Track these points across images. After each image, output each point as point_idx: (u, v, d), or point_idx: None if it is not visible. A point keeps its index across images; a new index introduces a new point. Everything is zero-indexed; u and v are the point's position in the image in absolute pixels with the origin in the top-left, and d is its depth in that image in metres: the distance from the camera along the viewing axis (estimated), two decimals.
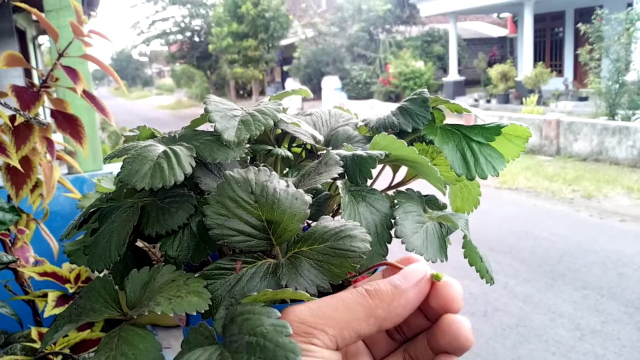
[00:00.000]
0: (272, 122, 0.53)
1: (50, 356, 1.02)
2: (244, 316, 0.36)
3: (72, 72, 1.11)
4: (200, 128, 0.58)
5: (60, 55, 1.12)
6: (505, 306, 3.70)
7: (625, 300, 3.68)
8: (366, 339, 0.44)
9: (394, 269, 0.44)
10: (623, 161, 7.75)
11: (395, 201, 0.51)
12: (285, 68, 23.54)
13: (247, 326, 0.35)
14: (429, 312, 0.43)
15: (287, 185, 0.46)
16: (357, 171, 0.53)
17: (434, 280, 0.42)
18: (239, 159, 0.51)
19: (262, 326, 0.34)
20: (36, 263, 1.23)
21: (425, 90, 0.59)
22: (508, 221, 5.62)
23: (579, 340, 3.23)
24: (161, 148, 0.51)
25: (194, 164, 0.49)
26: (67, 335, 1.06)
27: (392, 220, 0.50)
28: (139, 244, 0.60)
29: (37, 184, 1.18)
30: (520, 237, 5.06)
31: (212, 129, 0.51)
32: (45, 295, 1.13)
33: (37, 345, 1.04)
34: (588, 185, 6.75)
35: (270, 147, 0.59)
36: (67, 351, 1.03)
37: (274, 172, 0.47)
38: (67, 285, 1.15)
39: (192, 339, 0.38)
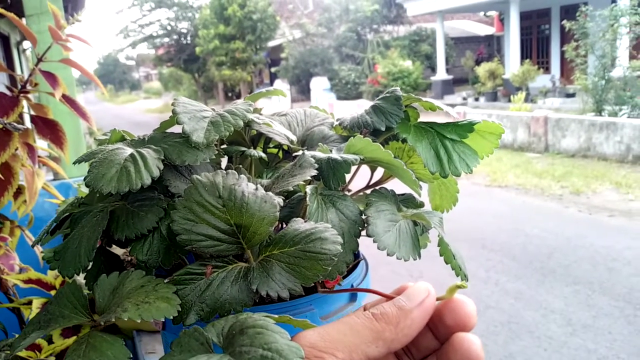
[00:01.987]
0: (241, 123, 0.52)
1: None
2: (257, 329, 0.36)
3: (50, 77, 1.10)
4: (170, 130, 0.58)
5: (39, 60, 1.11)
6: (496, 303, 3.71)
7: (616, 294, 3.70)
8: None
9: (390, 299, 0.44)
10: (611, 157, 7.80)
11: (368, 200, 0.51)
12: (273, 69, 23.51)
13: (262, 340, 0.35)
14: (441, 331, 0.43)
15: (256, 189, 0.46)
16: (331, 175, 0.52)
17: (461, 287, 0.42)
18: (209, 160, 0.50)
19: (277, 343, 0.35)
20: (21, 270, 1.22)
21: (398, 88, 0.59)
22: (498, 219, 5.64)
23: (570, 336, 3.24)
24: (128, 151, 0.50)
25: (161, 167, 0.48)
26: (53, 342, 1.05)
27: (361, 227, 0.49)
28: (119, 251, 0.60)
29: (20, 191, 1.17)
30: (510, 235, 5.08)
31: (182, 131, 0.51)
32: (30, 303, 1.12)
33: (22, 354, 1.02)
34: (577, 181, 6.79)
35: (244, 148, 0.58)
36: (52, 359, 1.02)
37: (242, 175, 0.47)
38: (52, 292, 1.14)
39: (185, 343, 0.38)
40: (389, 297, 0.44)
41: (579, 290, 3.81)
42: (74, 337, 1.07)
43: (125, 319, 0.37)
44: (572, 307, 3.58)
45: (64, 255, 0.48)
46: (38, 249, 1.28)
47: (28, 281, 1.14)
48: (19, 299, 1.17)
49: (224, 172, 0.46)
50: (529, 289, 3.89)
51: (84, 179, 0.47)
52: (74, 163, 0.52)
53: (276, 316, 0.38)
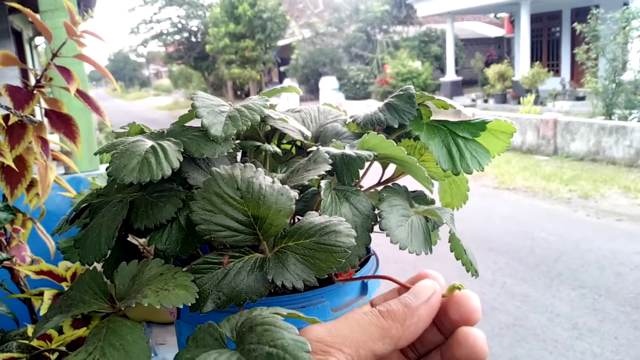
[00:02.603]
0: (258, 118, 0.54)
1: (46, 353, 1.03)
2: (264, 327, 0.37)
3: (65, 72, 1.11)
4: (188, 124, 0.59)
5: (54, 55, 1.13)
6: (502, 305, 3.70)
7: (622, 299, 3.69)
8: (380, 358, 0.45)
9: (404, 288, 0.44)
10: (620, 161, 7.76)
11: (381, 195, 0.52)
12: (282, 69, 23.54)
13: (268, 337, 0.36)
14: (446, 326, 0.44)
15: (273, 182, 0.47)
16: (345, 170, 0.54)
17: (457, 289, 0.43)
18: (226, 154, 0.52)
19: (283, 339, 0.35)
20: (32, 262, 1.23)
21: (411, 86, 0.60)
22: (506, 221, 5.63)
23: (576, 339, 3.23)
24: (149, 143, 0.51)
25: (181, 159, 0.50)
26: (63, 333, 1.07)
27: (374, 221, 0.50)
28: (135, 241, 0.61)
29: (33, 184, 1.18)
30: (518, 237, 5.07)
31: (200, 125, 0.52)
32: (41, 294, 1.14)
33: (33, 343, 1.04)
34: (585, 185, 6.76)
35: (259, 143, 0.59)
36: (63, 349, 1.03)
37: (260, 169, 0.48)
38: (63, 284, 1.15)
39: (200, 338, 0.39)
40: (403, 285, 0.45)
41: (585, 294, 3.80)
42: (84, 328, 1.09)
43: (146, 305, 0.39)
44: (579, 311, 3.57)
45: (84, 244, 0.50)
46: (49, 242, 1.30)
47: (40, 272, 1.16)
48: (30, 290, 1.18)
49: (242, 165, 0.48)
50: (535, 292, 3.88)
51: (106, 169, 0.49)
52: (95, 154, 0.53)
53: (285, 312, 0.39)
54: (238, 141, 0.62)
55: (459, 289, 0.43)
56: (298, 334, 0.36)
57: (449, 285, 0.43)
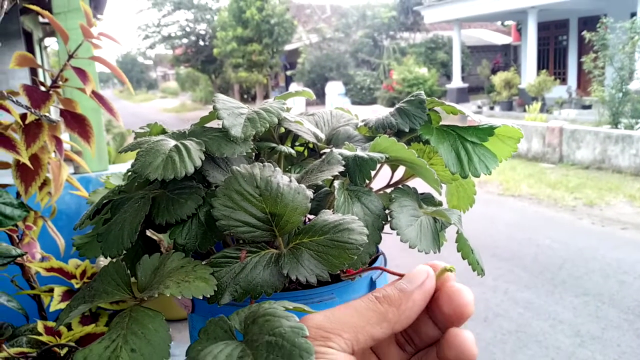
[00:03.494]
0: (276, 120, 0.56)
1: (56, 349, 1.05)
2: (265, 318, 0.39)
3: (81, 73, 1.14)
4: (208, 125, 0.61)
5: (70, 57, 1.15)
6: (505, 312, 3.71)
7: (626, 307, 3.69)
8: (378, 352, 0.46)
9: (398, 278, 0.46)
10: (626, 169, 7.76)
11: (392, 196, 0.54)
12: (289, 73, 23.62)
13: (268, 327, 0.37)
14: (439, 319, 0.45)
15: (290, 181, 0.49)
16: (357, 171, 0.56)
17: (449, 271, 0.44)
18: (245, 154, 0.54)
19: (281, 327, 0.37)
20: (42, 259, 1.26)
21: (422, 92, 0.62)
22: (510, 227, 5.63)
23: (578, 347, 3.23)
24: (172, 142, 0.54)
25: (203, 158, 0.52)
26: (72, 329, 1.09)
27: (384, 221, 0.52)
28: (154, 236, 0.63)
29: (45, 182, 1.20)
30: (522, 244, 5.07)
31: (220, 126, 0.54)
32: (51, 290, 1.16)
33: (43, 338, 1.06)
34: (590, 193, 6.76)
35: (274, 145, 0.62)
36: (72, 344, 1.05)
37: (277, 168, 0.50)
38: (73, 281, 1.18)
39: (211, 330, 0.41)
40: (397, 274, 0.46)
41: (588, 302, 3.80)
42: (92, 325, 1.11)
43: (168, 295, 0.41)
44: (581, 319, 3.57)
45: (107, 237, 0.52)
46: (59, 239, 1.32)
47: (50, 269, 1.18)
48: (39, 287, 1.21)
49: (261, 164, 0.50)
50: (538, 299, 3.88)
51: (132, 166, 0.51)
52: (119, 152, 0.56)
53: (291, 306, 0.41)
54: (253, 143, 0.64)
55: (450, 270, 0.44)
56: (297, 321, 0.38)
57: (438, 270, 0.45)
